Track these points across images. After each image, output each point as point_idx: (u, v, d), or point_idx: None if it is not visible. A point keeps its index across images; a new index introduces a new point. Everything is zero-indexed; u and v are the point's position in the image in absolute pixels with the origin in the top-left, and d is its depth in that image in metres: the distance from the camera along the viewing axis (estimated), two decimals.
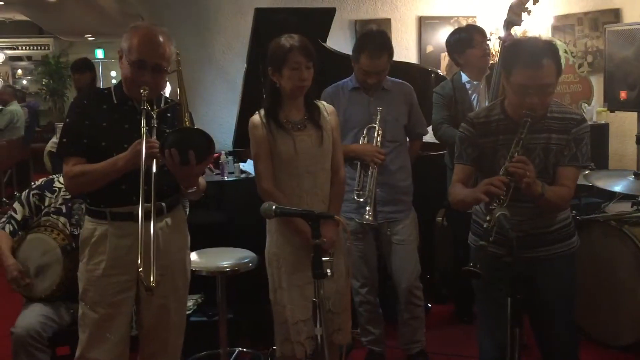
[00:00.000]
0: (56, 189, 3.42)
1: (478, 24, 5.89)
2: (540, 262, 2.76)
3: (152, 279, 2.38)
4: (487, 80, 4.16)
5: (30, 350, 3.09)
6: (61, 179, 3.35)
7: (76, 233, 3.25)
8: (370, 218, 3.44)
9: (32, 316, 3.19)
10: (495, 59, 5.49)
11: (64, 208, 3.36)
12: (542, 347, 2.92)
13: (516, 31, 4.02)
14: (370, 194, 3.45)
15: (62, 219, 3.36)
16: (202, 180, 2.77)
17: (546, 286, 2.76)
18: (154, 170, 2.50)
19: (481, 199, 2.55)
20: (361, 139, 3.57)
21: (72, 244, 3.23)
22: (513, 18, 3.79)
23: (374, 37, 3.56)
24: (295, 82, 2.90)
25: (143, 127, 2.54)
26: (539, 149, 2.67)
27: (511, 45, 2.83)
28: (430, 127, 4.15)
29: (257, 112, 3.04)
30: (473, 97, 4.15)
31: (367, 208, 3.44)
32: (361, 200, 3.46)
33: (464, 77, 4.17)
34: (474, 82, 4.16)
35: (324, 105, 3.10)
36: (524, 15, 3.84)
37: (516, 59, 2.60)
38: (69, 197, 3.37)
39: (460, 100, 4.12)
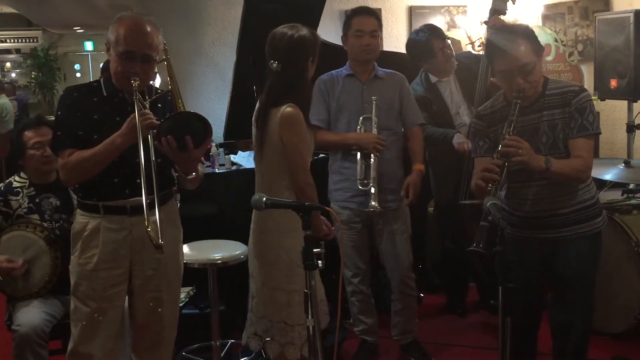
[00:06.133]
0: (18, 189, 3.28)
1: (468, 13, 5.90)
2: (562, 242, 2.84)
3: (159, 238, 2.39)
4: (456, 74, 4.15)
5: (35, 348, 3.02)
6: (17, 178, 3.30)
7: (50, 227, 3.20)
8: (376, 205, 3.45)
9: (35, 313, 3.09)
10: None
11: (33, 206, 3.25)
12: (556, 330, 2.98)
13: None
14: (374, 182, 3.47)
15: (34, 216, 3.24)
16: (200, 168, 2.76)
17: (567, 265, 2.86)
18: (142, 158, 2.47)
19: (479, 185, 2.64)
20: (357, 129, 3.58)
21: (54, 232, 3.16)
22: (499, 5, 3.82)
23: (361, 7, 3.78)
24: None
25: (136, 101, 2.52)
26: (544, 127, 2.77)
27: (487, 40, 2.97)
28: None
29: (288, 105, 2.88)
30: (446, 94, 4.15)
31: (372, 195, 3.45)
32: (365, 189, 3.48)
33: (432, 77, 4.16)
34: (444, 80, 4.15)
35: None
36: (509, 4, 3.86)
37: (493, 50, 2.78)
38: (33, 193, 3.27)
39: (435, 100, 4.12)
